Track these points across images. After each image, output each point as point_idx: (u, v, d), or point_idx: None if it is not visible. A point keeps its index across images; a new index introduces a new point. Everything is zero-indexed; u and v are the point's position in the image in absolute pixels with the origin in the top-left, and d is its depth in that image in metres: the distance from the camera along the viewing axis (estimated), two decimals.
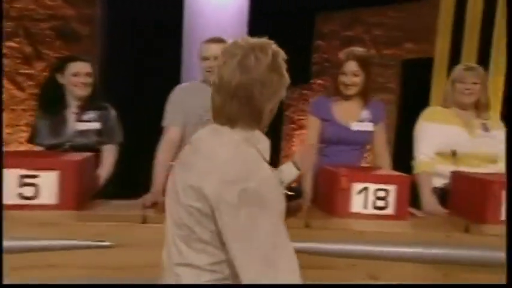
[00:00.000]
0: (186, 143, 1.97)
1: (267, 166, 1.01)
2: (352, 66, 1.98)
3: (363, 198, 1.67)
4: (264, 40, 1.04)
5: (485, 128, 2.13)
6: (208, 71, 1.88)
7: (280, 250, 0.93)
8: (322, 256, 1.48)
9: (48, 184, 1.41)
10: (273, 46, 1.04)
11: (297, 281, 0.93)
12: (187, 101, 1.94)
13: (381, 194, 1.67)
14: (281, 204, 1.01)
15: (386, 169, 2.00)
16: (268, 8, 4.54)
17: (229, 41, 1.08)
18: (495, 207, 1.72)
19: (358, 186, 1.66)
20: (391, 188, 1.67)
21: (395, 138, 4.90)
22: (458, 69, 2.16)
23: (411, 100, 4.62)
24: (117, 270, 1.37)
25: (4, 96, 4.17)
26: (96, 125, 1.93)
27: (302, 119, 6.03)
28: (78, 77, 1.93)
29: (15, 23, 4.26)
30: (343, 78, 2.00)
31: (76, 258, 1.34)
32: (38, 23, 4.29)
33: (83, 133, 1.92)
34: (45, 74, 4.44)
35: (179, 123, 1.92)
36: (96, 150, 1.91)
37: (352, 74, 1.98)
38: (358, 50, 2.02)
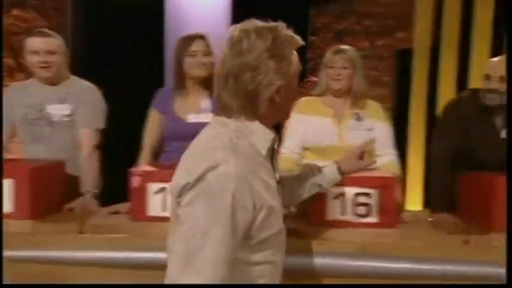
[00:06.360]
0: (23, 140, 1.93)
1: (240, 162, 0.94)
2: (200, 45, 1.85)
3: None
4: (268, 24, 0.99)
5: (358, 118, 1.89)
6: (42, 67, 1.83)
7: (205, 251, 0.88)
8: None
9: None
10: (281, 30, 0.99)
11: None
12: (13, 99, 1.92)
13: None
14: (235, 201, 0.91)
15: None
16: (256, 3, 4.41)
17: None
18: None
19: None
20: None
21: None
22: (328, 53, 1.93)
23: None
24: None
25: None
26: None
27: None
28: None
29: None
30: (190, 60, 1.87)
31: None
32: (18, 36, 4.55)
33: None
34: None
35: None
36: None
37: (202, 53, 1.85)
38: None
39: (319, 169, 1.31)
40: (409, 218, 1.71)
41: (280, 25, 0.99)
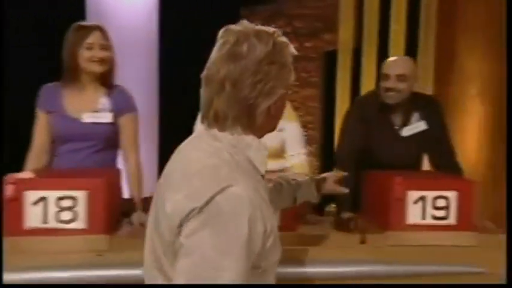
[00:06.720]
0: None
1: (246, 181, 0.83)
2: (98, 37, 1.69)
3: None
4: (266, 28, 0.90)
5: None
6: None
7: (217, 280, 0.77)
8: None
9: None
10: (278, 36, 0.89)
11: None
12: None
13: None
14: (250, 228, 0.80)
15: (134, 168, 1.72)
16: (187, 2, 4.27)
17: None
18: None
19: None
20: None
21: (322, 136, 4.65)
22: None
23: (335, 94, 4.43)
24: None
25: None
26: None
27: None
28: None
29: None
30: (86, 54, 1.68)
31: None
32: None
33: None
34: None
35: None
36: None
37: (100, 47, 1.69)
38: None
39: (296, 183, 1.24)
40: (315, 219, 1.70)
41: (277, 31, 0.91)
